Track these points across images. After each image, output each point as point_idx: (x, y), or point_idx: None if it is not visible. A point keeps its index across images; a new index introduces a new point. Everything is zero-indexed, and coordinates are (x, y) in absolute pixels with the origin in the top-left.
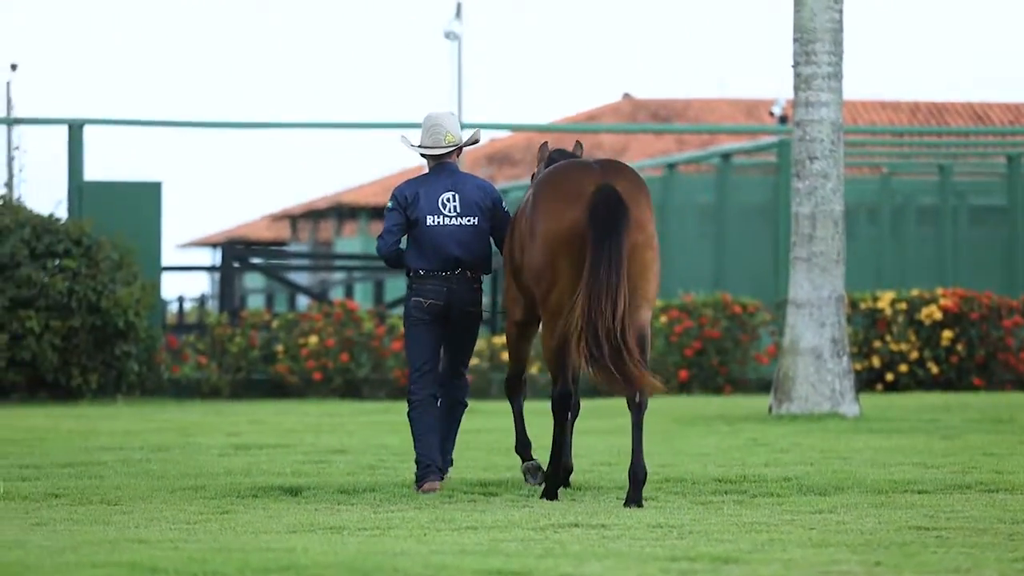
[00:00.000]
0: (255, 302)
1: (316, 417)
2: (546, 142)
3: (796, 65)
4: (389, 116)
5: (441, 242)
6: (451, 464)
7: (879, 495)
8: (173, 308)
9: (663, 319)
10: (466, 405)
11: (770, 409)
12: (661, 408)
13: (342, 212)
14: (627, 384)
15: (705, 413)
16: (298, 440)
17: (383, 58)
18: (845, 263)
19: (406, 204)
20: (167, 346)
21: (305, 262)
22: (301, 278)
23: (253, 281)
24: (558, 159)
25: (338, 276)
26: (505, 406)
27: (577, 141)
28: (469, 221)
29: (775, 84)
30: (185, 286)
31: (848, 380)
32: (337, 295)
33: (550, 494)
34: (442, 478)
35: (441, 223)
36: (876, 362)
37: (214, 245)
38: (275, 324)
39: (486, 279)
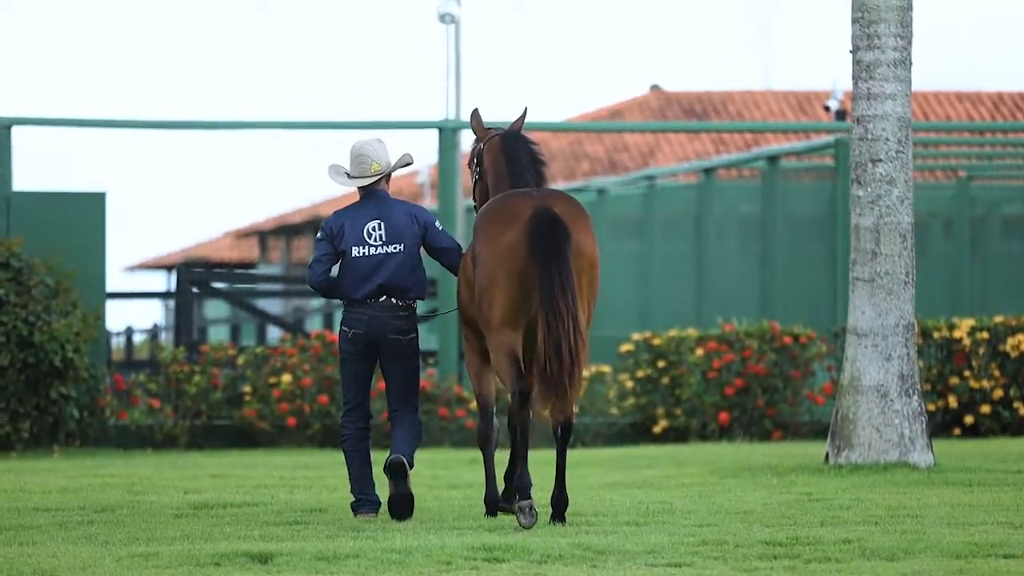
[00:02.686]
0: (217, 334)
1: (290, 470)
2: (476, 109)
3: (856, 50)
4: (374, 114)
5: (366, 272)
6: (412, 467)
7: (957, 560)
8: (120, 342)
9: (699, 352)
10: (420, 437)
11: (827, 458)
12: (697, 458)
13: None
14: (562, 404)
15: (750, 463)
16: (269, 498)
17: (367, 47)
18: (915, 285)
19: (332, 235)
20: (113, 387)
21: (277, 287)
22: (272, 306)
23: (215, 309)
24: (509, 142)
25: (315, 303)
26: (505, 456)
27: (526, 108)
28: (395, 248)
29: (831, 73)
30: (134, 316)
31: (919, 423)
32: (315, 326)
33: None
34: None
35: (366, 253)
36: (953, 402)
37: (168, 267)
38: (241, 360)
39: None
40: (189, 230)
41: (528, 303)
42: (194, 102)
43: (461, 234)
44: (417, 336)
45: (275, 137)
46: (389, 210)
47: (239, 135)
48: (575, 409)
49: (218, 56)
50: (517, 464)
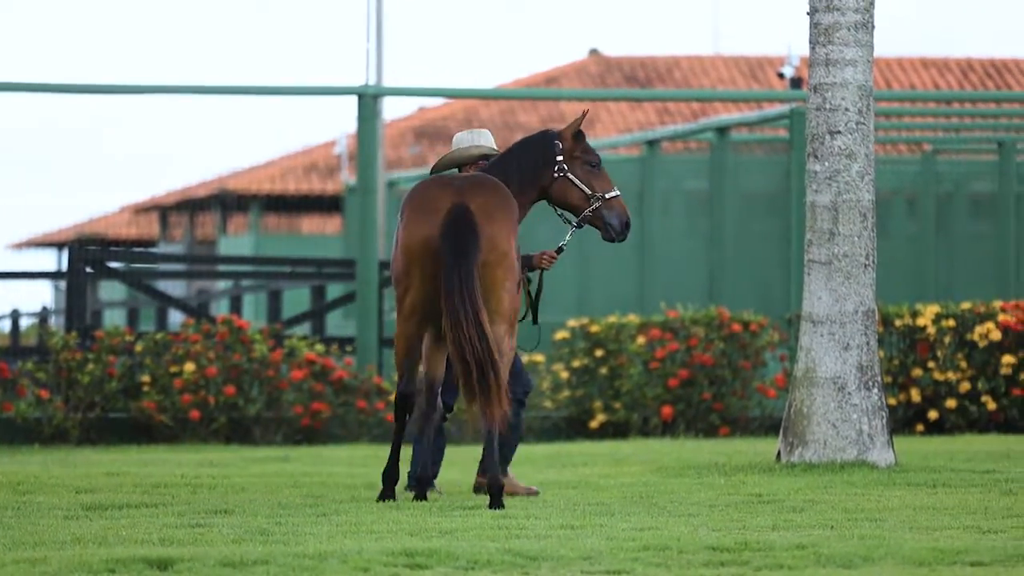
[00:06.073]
0: (113, 319)
1: (193, 468)
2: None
3: (813, 12)
4: (287, 79)
5: None
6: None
7: (920, 567)
8: (4, 326)
9: (640, 340)
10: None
11: (778, 456)
12: (637, 455)
13: (227, 202)
14: (487, 413)
15: (695, 461)
16: (169, 497)
17: (283, 4)
18: (876, 268)
19: None
20: None
21: (179, 267)
22: (174, 288)
23: (110, 291)
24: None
25: (222, 285)
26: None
27: (585, 111)
28: None
29: (786, 37)
30: (21, 298)
31: (880, 419)
32: (221, 310)
33: (383, 495)
34: None
35: None
36: (916, 396)
37: (59, 245)
38: (139, 347)
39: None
40: (82, 204)
41: (437, 303)
42: (91, 63)
43: (381, 210)
44: None
45: (179, 102)
46: None
47: (139, 100)
48: (499, 423)
49: (119, 13)
50: (392, 455)
